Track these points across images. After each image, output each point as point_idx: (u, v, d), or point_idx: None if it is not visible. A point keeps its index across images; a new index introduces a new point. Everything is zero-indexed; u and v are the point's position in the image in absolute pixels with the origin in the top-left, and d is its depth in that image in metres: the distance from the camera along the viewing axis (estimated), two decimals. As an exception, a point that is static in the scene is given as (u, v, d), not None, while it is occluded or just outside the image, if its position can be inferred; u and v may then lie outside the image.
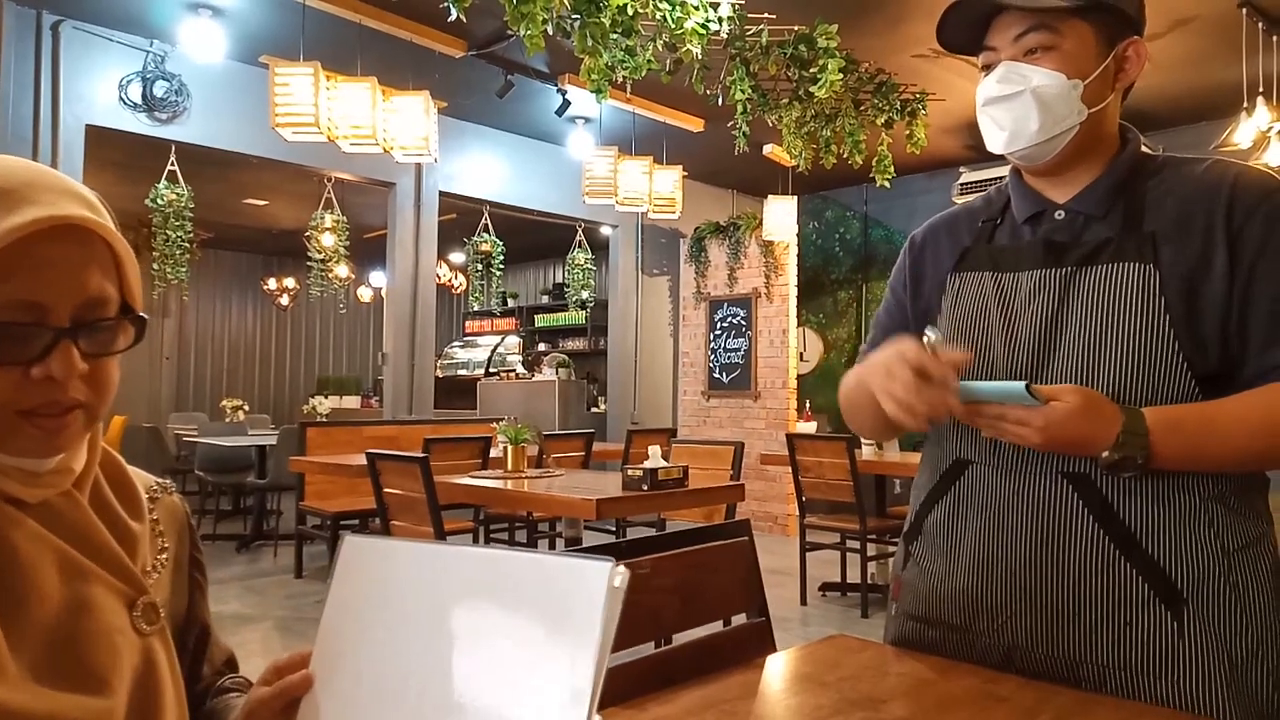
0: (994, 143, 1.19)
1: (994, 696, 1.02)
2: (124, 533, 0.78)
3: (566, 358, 8.92)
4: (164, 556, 0.84)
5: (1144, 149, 1.20)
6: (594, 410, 8.92)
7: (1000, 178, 1.34)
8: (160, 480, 0.89)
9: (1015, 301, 1.18)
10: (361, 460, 3.95)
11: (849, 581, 5.17)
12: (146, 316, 0.76)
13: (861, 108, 5.13)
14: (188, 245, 5.92)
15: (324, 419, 7.26)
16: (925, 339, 1.13)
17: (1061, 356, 1.12)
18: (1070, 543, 1.10)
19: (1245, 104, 4.86)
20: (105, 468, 0.80)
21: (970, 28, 1.18)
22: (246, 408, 8.28)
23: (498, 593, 0.68)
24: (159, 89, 5.26)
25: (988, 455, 1.17)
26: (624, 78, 3.93)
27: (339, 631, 0.76)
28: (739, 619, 1.37)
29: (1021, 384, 1.01)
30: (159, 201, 5.82)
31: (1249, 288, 1.06)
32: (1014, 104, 1.13)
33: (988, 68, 1.18)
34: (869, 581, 4.80)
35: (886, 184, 5.31)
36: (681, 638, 1.25)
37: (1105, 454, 1.03)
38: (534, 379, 8.77)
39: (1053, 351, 1.13)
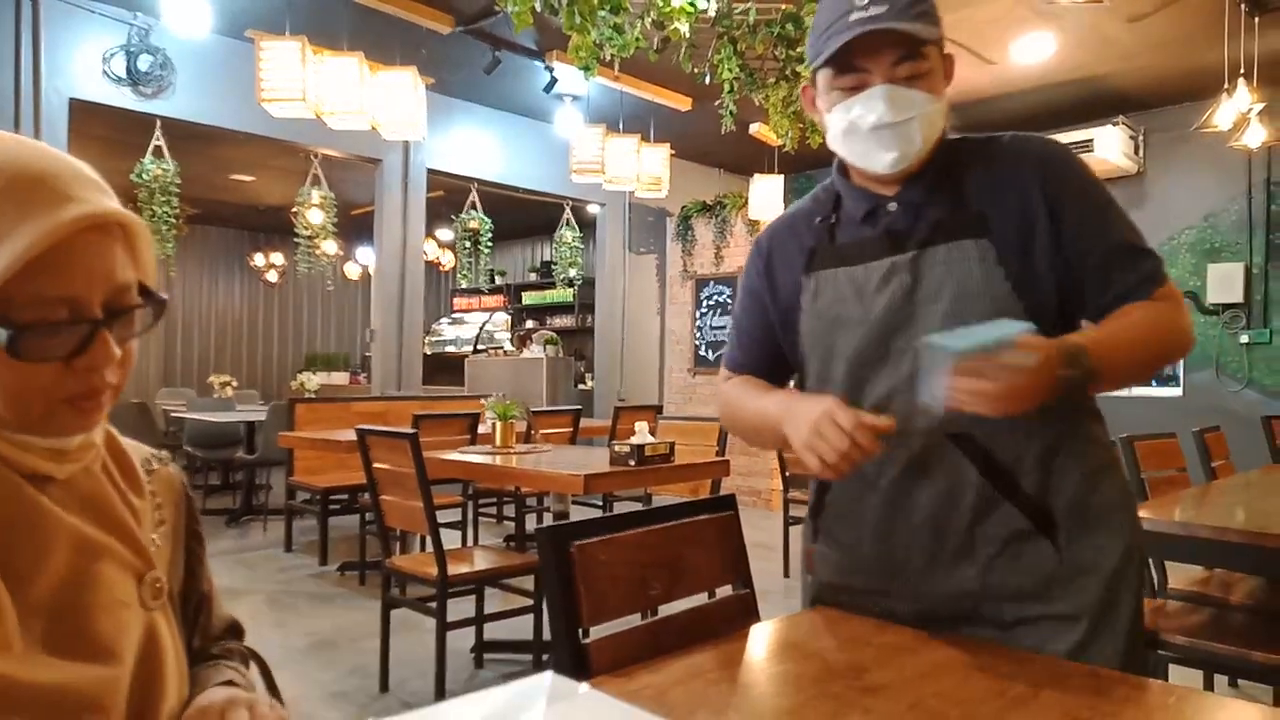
0: (879, 163, 1.22)
1: (973, 665, 1.06)
2: (129, 507, 0.79)
3: (554, 335, 8.92)
4: (164, 529, 0.84)
5: (949, 135, 1.29)
6: (581, 387, 8.94)
7: None
8: (156, 452, 0.89)
9: (870, 288, 1.25)
10: (350, 436, 3.96)
11: (833, 556, 5.24)
12: (166, 298, 0.78)
13: (849, 87, 5.12)
14: (174, 221, 5.88)
15: (312, 395, 7.25)
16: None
17: (922, 330, 1.16)
18: (960, 496, 1.20)
19: (1226, 85, 4.89)
20: (106, 444, 0.81)
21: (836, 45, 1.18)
22: (235, 384, 8.25)
23: None
24: (143, 63, 5.21)
25: None
26: (612, 56, 3.92)
27: None
28: (724, 591, 1.40)
29: (1028, 324, 1.03)
30: (144, 177, 5.77)
31: (1076, 244, 1.18)
32: (906, 129, 1.19)
33: (854, 89, 1.20)
34: (852, 556, 4.85)
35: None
36: (668, 609, 1.28)
37: (1061, 371, 1.05)
38: (522, 356, 8.77)
39: (912, 324, 1.20)
